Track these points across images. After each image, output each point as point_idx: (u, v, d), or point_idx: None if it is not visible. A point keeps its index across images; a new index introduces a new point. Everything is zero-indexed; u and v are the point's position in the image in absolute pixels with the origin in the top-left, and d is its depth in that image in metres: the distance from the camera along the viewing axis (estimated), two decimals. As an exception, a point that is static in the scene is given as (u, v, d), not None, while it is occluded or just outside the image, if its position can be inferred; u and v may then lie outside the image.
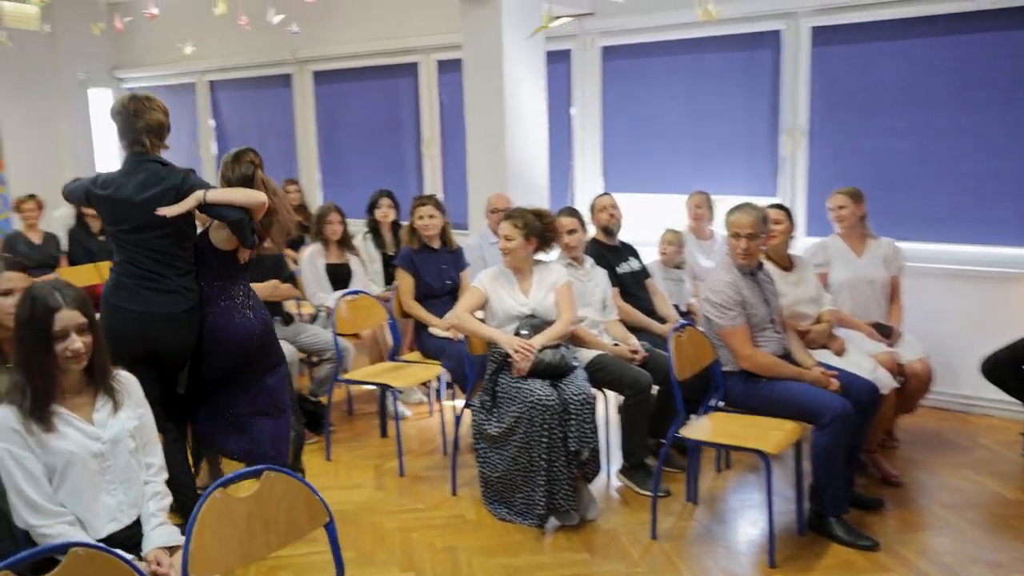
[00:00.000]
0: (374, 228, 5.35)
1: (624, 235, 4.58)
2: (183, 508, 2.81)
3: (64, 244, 6.27)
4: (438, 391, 4.80)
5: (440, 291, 4.59)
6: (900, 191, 4.92)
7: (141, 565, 2.12)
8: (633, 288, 4.40)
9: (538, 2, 5.19)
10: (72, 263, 6.10)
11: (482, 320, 3.76)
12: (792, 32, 5.18)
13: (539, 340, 3.52)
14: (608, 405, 4.23)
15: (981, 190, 4.70)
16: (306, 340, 4.62)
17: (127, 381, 2.40)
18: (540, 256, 3.85)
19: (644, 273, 4.54)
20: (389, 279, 5.18)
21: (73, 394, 2.27)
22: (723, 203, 4.89)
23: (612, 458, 4.02)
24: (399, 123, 7.14)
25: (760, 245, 3.51)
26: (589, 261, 4.19)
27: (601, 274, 4.17)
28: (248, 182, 3.20)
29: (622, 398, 3.85)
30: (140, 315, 3.06)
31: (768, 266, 3.73)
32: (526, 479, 3.43)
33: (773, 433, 3.23)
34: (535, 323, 3.61)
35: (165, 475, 2.42)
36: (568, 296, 3.72)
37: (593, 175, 6.15)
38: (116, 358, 2.40)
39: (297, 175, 7.54)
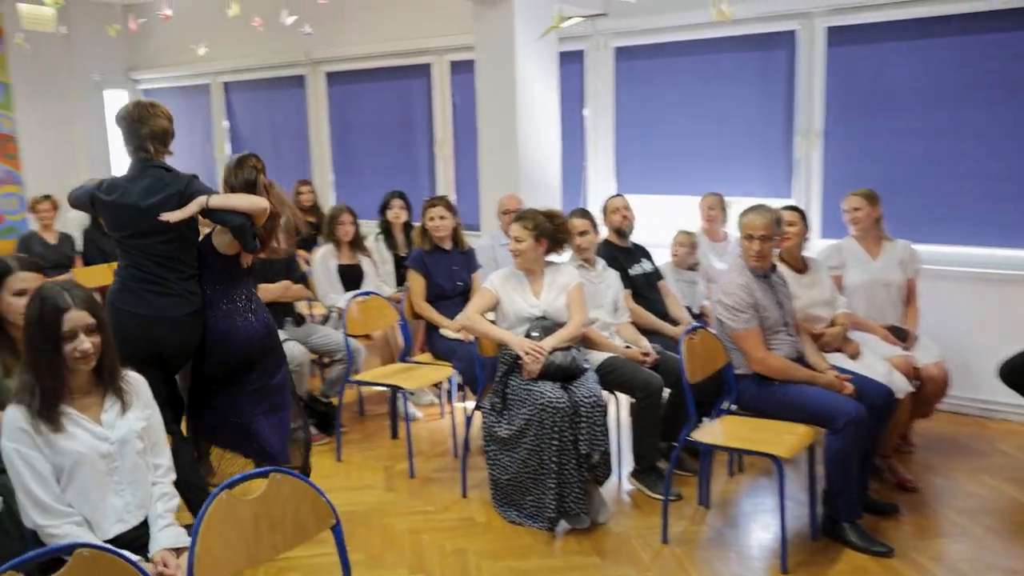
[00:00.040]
0: (386, 229, 5.34)
1: (637, 237, 4.56)
2: (194, 508, 2.81)
3: (79, 244, 6.33)
4: (449, 393, 4.80)
5: (451, 292, 4.59)
6: (916, 193, 4.87)
7: (147, 566, 2.12)
8: (645, 290, 4.37)
9: (550, 3, 5.19)
10: (87, 263, 6.16)
11: (493, 322, 3.74)
12: (807, 32, 5.13)
13: (550, 342, 3.50)
14: (619, 408, 4.21)
15: (998, 192, 4.64)
16: (317, 341, 4.62)
17: (136, 382, 2.41)
18: (552, 258, 3.84)
19: (656, 275, 4.51)
20: (401, 280, 5.17)
21: (82, 394, 2.28)
22: (737, 205, 4.85)
23: (623, 461, 4.00)
24: (412, 124, 7.14)
25: (773, 247, 3.48)
26: (601, 263, 4.17)
27: (613, 276, 4.14)
28: (251, 187, 3.23)
29: (633, 401, 3.82)
30: (144, 318, 3.09)
31: (782, 268, 3.70)
32: (536, 482, 3.41)
33: (786, 437, 3.20)
34: (546, 325, 3.59)
35: (173, 476, 2.42)
36: (579, 298, 3.70)
37: (606, 176, 6.13)
38: (123, 360, 2.40)
39: (310, 176, 7.56)
